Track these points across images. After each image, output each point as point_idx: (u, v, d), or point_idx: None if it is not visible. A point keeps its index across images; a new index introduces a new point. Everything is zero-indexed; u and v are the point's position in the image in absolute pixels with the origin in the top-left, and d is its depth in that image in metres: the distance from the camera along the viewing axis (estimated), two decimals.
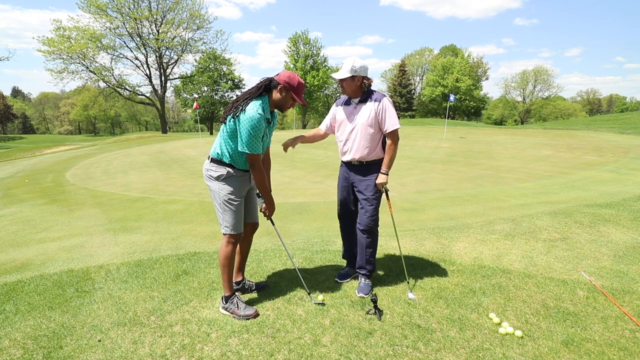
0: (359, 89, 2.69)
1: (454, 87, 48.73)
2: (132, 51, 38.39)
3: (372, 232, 2.79)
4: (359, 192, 2.82)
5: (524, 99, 61.05)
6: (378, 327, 2.32)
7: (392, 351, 2.09)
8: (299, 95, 2.44)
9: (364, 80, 2.67)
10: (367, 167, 2.77)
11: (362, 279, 2.85)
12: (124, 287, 2.98)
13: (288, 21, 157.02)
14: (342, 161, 2.98)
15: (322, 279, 3.01)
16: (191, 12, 37.28)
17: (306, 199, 6.30)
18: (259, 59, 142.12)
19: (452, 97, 18.03)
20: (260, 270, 3.21)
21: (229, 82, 46.21)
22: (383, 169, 2.70)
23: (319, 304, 2.60)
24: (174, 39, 38.16)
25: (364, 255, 2.82)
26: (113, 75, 37.83)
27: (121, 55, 37.95)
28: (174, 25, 37.62)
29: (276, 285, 2.93)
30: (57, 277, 3.21)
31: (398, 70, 55.02)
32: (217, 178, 2.43)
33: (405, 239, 3.88)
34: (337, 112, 2.89)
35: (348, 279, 2.98)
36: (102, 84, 38.81)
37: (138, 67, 39.69)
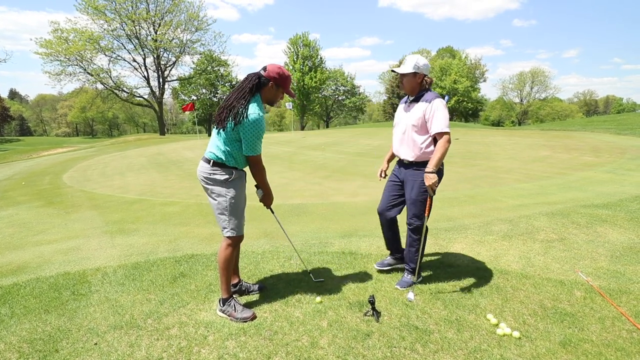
0: (417, 87, 2.71)
1: (451, 88, 48.92)
2: (130, 53, 38.33)
3: (416, 231, 2.82)
4: (406, 190, 2.83)
5: (521, 100, 61.35)
6: (376, 328, 2.31)
7: (390, 353, 2.09)
8: (287, 87, 2.46)
9: (425, 79, 2.70)
10: (417, 167, 2.75)
11: (405, 273, 2.94)
12: (120, 289, 2.96)
13: (286, 23, 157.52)
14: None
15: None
16: (189, 14, 37.28)
17: (304, 201, 6.29)
18: (257, 60, 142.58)
19: (446, 98, 18.47)
20: (257, 272, 3.20)
21: (227, 84, 46.22)
22: (428, 167, 2.59)
23: (318, 281, 2.77)
24: (172, 40, 38.11)
25: (408, 252, 2.91)
26: (111, 77, 37.74)
27: (119, 57, 37.89)
28: (172, 27, 37.57)
29: (273, 287, 2.92)
30: (53, 280, 3.19)
31: None
32: (224, 181, 2.41)
33: (404, 240, 3.87)
34: (397, 110, 2.96)
35: (387, 268, 3.06)
36: (99, 86, 38.67)
37: (136, 69, 39.64)
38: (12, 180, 11.74)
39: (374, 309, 2.44)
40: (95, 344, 2.24)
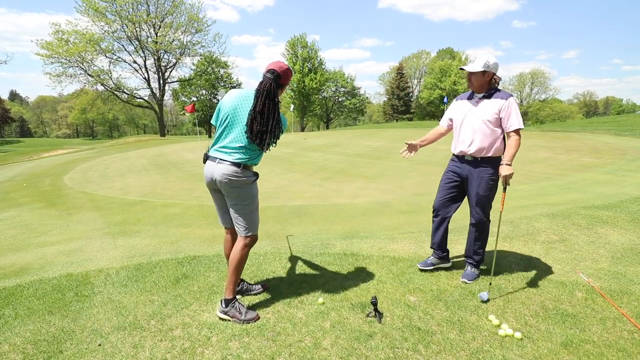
0: (486, 85, 2.76)
1: (451, 90, 49.02)
2: (130, 54, 38.40)
3: (483, 226, 2.89)
4: (471, 186, 2.86)
5: (521, 101, 61.48)
6: (378, 329, 2.33)
7: (393, 354, 2.10)
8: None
9: (494, 77, 2.74)
10: (480, 163, 2.81)
11: (469, 267, 3.00)
12: (123, 291, 2.97)
13: (286, 24, 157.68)
14: (453, 154, 3.01)
15: (322, 282, 3.01)
16: (190, 15, 37.36)
17: (305, 202, 6.30)
18: (257, 61, 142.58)
19: (445, 100, 18.78)
20: (260, 274, 3.22)
21: (227, 85, 46.32)
22: (506, 160, 2.67)
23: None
24: (172, 42, 38.17)
25: (472, 247, 2.97)
26: (111, 78, 37.81)
27: (120, 59, 37.94)
28: (172, 29, 37.63)
29: (276, 288, 2.93)
30: (56, 282, 3.20)
31: (396, 73, 55.22)
32: (252, 183, 2.48)
33: (405, 242, 3.90)
34: (458, 106, 2.95)
35: (430, 268, 3.09)
36: (100, 87, 38.74)
37: (136, 71, 39.68)
38: (13, 182, 11.75)
39: (376, 310, 2.45)
40: (99, 345, 2.26)
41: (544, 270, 3.12)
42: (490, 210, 2.94)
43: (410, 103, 55.84)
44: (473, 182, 2.85)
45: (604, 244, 3.67)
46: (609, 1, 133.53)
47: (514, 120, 2.69)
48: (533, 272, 3.08)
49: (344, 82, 54.70)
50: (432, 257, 3.18)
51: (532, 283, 2.89)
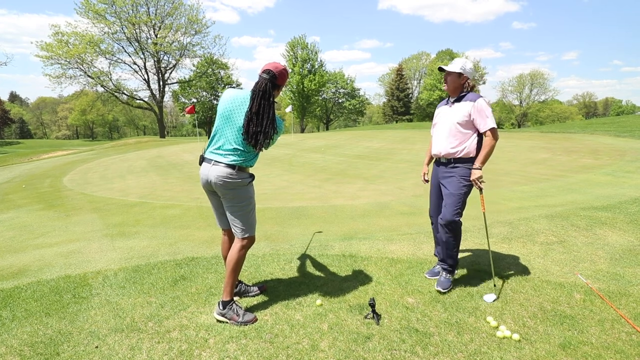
0: (460, 87, 2.84)
1: None
2: (130, 56, 38.48)
3: (452, 227, 2.83)
4: (443, 187, 2.90)
5: (520, 102, 61.50)
6: (376, 331, 2.32)
7: (391, 355, 2.10)
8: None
9: (468, 81, 2.83)
10: (453, 164, 2.85)
11: (443, 274, 2.93)
12: (121, 292, 2.97)
13: (286, 25, 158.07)
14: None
15: (320, 284, 3.01)
16: (189, 17, 37.43)
17: (304, 203, 6.30)
18: (257, 63, 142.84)
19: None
20: (258, 275, 3.21)
21: (227, 86, 46.38)
22: (476, 164, 2.74)
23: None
24: (172, 43, 38.23)
25: (445, 250, 2.92)
26: (111, 79, 37.86)
27: (119, 60, 38.03)
28: (172, 30, 37.72)
29: (274, 290, 2.92)
30: (54, 283, 3.20)
31: (395, 74, 55.31)
32: (248, 184, 2.49)
33: (403, 243, 3.89)
34: (437, 112, 3.05)
35: (438, 277, 3.03)
36: (100, 89, 38.78)
37: (136, 72, 39.75)
38: (12, 183, 11.75)
39: (374, 311, 2.44)
40: (97, 347, 2.25)
41: (542, 271, 3.12)
42: (463, 212, 2.85)
43: (410, 104, 55.88)
44: (445, 182, 2.89)
45: (602, 245, 3.67)
46: (609, 2, 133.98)
47: (485, 120, 2.73)
48: (531, 274, 3.07)
49: (344, 83, 54.77)
50: (438, 266, 3.12)
51: (531, 284, 2.88)
